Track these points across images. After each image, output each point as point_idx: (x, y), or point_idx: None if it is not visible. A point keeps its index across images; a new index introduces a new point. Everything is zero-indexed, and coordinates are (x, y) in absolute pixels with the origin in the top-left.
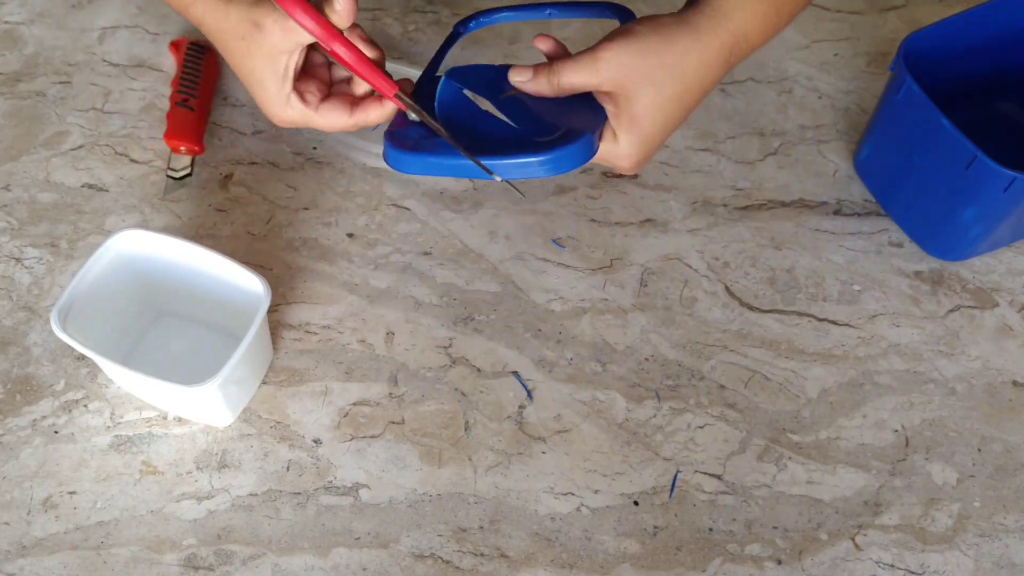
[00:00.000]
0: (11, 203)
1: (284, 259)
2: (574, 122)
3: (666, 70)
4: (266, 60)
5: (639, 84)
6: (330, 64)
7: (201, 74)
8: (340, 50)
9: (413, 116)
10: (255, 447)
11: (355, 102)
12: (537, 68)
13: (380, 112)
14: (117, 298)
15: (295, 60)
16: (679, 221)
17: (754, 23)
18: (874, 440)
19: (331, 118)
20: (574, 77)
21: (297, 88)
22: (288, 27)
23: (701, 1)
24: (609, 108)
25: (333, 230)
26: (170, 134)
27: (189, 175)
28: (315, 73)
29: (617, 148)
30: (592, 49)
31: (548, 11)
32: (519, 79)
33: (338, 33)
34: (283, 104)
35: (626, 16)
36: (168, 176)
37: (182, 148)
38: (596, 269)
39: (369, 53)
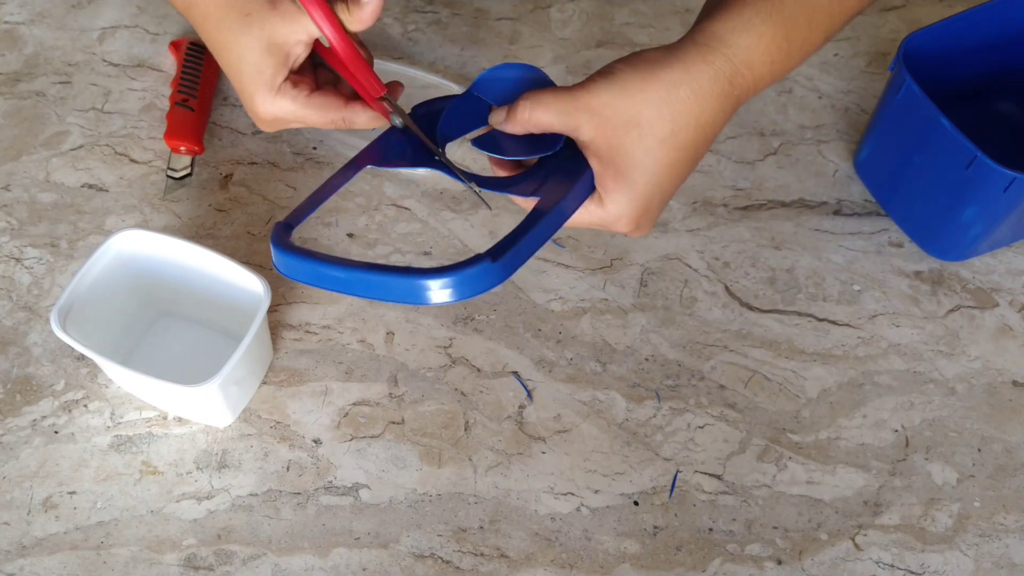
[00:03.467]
0: (11, 203)
1: None
2: (548, 177)
3: (652, 108)
4: (268, 41)
5: (621, 128)
6: (315, 66)
7: (201, 74)
8: (341, 47)
9: (397, 122)
10: (255, 447)
11: (345, 100)
12: (511, 107)
13: (368, 116)
14: (117, 298)
15: (302, 51)
16: (679, 221)
17: (759, 50)
18: (874, 440)
19: (323, 107)
20: (545, 115)
21: (292, 78)
22: (302, 15)
23: (693, 30)
24: (593, 163)
25: (333, 230)
26: (170, 134)
27: (189, 175)
28: (303, 71)
29: (606, 209)
30: (570, 88)
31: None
32: (495, 119)
33: (344, 32)
34: (274, 92)
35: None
36: (168, 176)
37: (182, 148)
38: (596, 269)
39: (363, 56)
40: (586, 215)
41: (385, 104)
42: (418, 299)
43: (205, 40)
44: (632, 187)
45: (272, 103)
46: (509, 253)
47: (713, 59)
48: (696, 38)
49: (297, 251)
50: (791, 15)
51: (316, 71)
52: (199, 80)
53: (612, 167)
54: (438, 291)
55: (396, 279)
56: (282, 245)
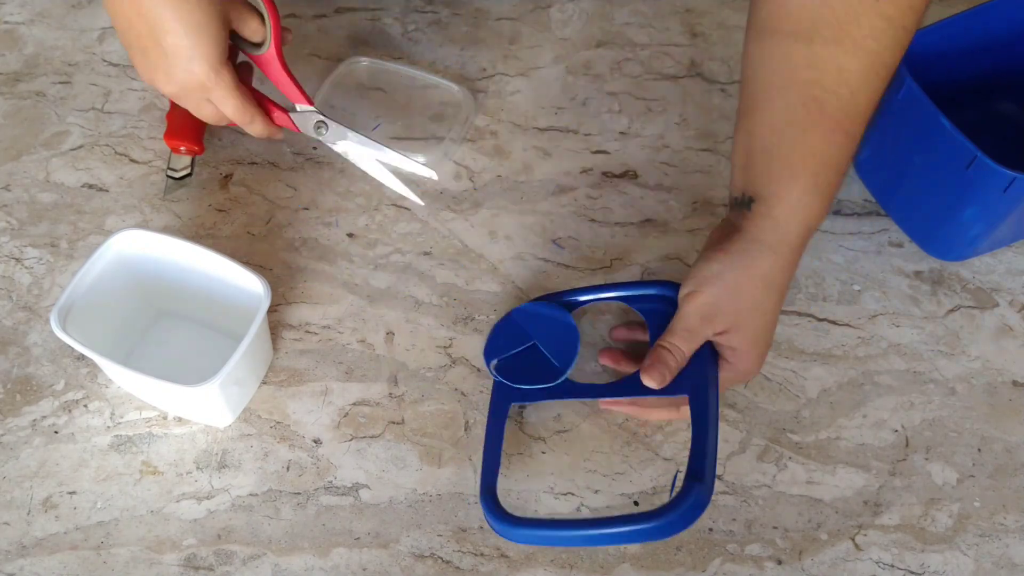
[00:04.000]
0: (11, 203)
1: (284, 259)
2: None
3: (746, 290)
4: (226, 19)
5: (730, 302)
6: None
7: None
8: (278, 51)
9: (311, 130)
10: (255, 447)
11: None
12: (651, 368)
13: (263, 126)
14: (117, 298)
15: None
16: (679, 221)
17: (811, 217)
18: (874, 440)
19: (245, 95)
20: (686, 339)
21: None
22: (250, 15)
23: (756, 217)
24: (723, 339)
25: (333, 230)
26: (170, 134)
27: (189, 175)
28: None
29: (738, 369)
30: (684, 310)
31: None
32: (652, 381)
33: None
34: (225, 60)
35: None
36: (168, 176)
37: (182, 148)
38: (596, 269)
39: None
40: (726, 385)
41: (298, 114)
42: (649, 538)
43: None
44: (754, 341)
45: (219, 68)
46: (708, 467)
47: (780, 249)
48: (758, 235)
49: (520, 521)
50: (827, 178)
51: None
52: None
53: (736, 334)
54: (667, 527)
55: (628, 532)
56: (500, 515)
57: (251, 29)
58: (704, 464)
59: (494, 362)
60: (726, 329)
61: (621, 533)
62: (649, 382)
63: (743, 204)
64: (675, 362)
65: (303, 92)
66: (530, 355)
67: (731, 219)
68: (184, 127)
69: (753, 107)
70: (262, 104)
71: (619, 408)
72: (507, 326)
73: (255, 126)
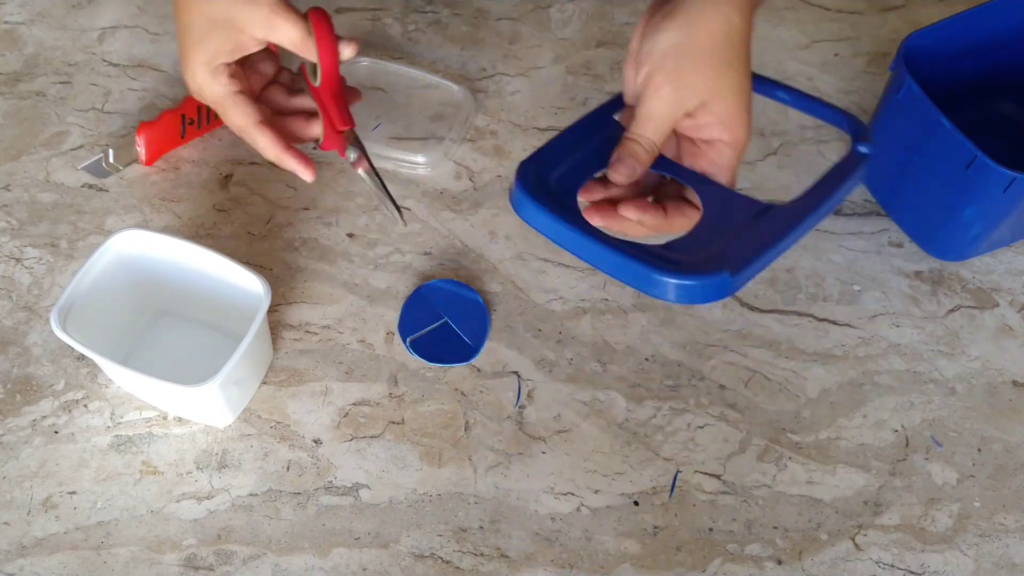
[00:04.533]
0: (11, 203)
1: (284, 259)
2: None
3: (700, 43)
4: (226, 19)
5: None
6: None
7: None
8: (328, 75)
9: (352, 156)
10: (255, 447)
11: (282, 129)
12: (618, 161)
13: (307, 128)
14: (117, 298)
15: (252, 47)
16: None
17: None
18: (874, 440)
19: (244, 112)
20: (653, 127)
21: (232, 68)
22: (276, 22)
23: None
24: (705, 115)
25: (333, 230)
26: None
27: (118, 171)
28: (248, 70)
29: (738, 140)
30: (641, 101)
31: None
32: (621, 174)
33: (336, 63)
34: (209, 69)
35: (858, 128)
36: (107, 163)
37: (142, 149)
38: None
39: (343, 89)
40: (733, 162)
41: (346, 136)
42: (649, 289)
43: None
44: (736, 104)
45: (203, 77)
46: (747, 269)
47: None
48: None
49: (544, 200)
50: None
51: (268, 89)
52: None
53: (715, 103)
54: (671, 290)
55: (636, 266)
56: (528, 188)
57: (285, 36)
58: (747, 265)
59: (409, 338)
60: (701, 102)
61: (634, 270)
62: (616, 177)
63: None
64: (645, 154)
65: (348, 116)
66: (443, 333)
67: None
68: (167, 135)
69: None
70: (327, 118)
71: (638, 215)
72: (418, 302)
73: (261, 149)
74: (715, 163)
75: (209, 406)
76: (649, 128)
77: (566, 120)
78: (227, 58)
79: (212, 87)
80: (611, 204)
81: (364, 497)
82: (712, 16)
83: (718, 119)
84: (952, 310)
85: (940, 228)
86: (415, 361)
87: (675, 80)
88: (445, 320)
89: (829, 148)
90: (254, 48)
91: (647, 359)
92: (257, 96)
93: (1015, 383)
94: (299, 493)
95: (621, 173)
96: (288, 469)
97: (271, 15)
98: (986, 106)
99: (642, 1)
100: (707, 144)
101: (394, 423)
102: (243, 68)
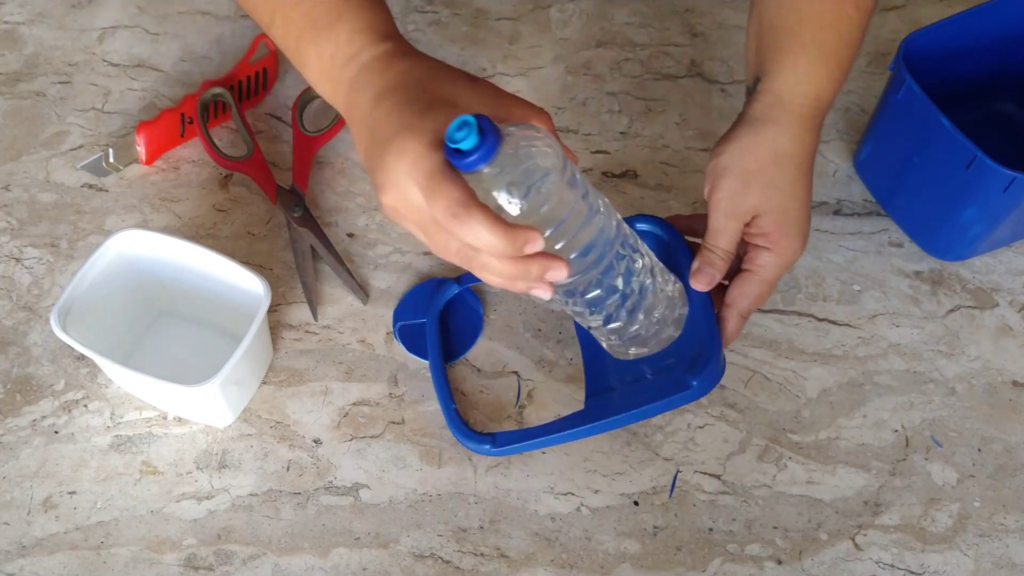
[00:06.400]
0: (11, 203)
1: (284, 259)
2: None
3: (767, 168)
4: (450, 99)
5: (774, 203)
6: None
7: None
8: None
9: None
10: (255, 447)
11: None
12: (698, 271)
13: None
14: (117, 298)
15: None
16: None
17: (820, 87)
18: (874, 440)
19: (460, 181)
20: (722, 238)
21: None
22: (507, 104)
23: (760, 94)
24: (762, 223)
25: (333, 230)
26: (151, 132)
27: (118, 171)
28: None
29: (784, 253)
30: (710, 211)
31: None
32: (703, 282)
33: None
34: (437, 142)
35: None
36: (107, 163)
37: (142, 149)
38: None
39: None
40: (774, 272)
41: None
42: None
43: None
44: (786, 219)
45: (422, 151)
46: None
47: (785, 121)
48: (761, 113)
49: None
50: (837, 49)
51: None
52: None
53: (766, 217)
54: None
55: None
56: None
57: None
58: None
59: (399, 324)
60: (755, 215)
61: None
62: (698, 285)
63: (752, 89)
64: (720, 261)
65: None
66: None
67: (741, 112)
68: (167, 135)
69: None
70: None
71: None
72: (415, 298)
73: (474, 232)
74: (753, 262)
75: (209, 406)
76: (719, 238)
77: (566, 120)
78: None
79: (432, 159)
80: None
81: (364, 497)
82: (764, 137)
83: (766, 231)
84: (952, 310)
85: (940, 228)
86: (415, 361)
87: (728, 197)
88: (437, 318)
89: (829, 148)
90: None
91: None
92: None
93: (1015, 383)
94: (299, 493)
95: (701, 282)
96: (288, 469)
97: (497, 103)
98: (986, 106)
99: (643, 1)
100: (754, 248)
101: (394, 423)
102: None
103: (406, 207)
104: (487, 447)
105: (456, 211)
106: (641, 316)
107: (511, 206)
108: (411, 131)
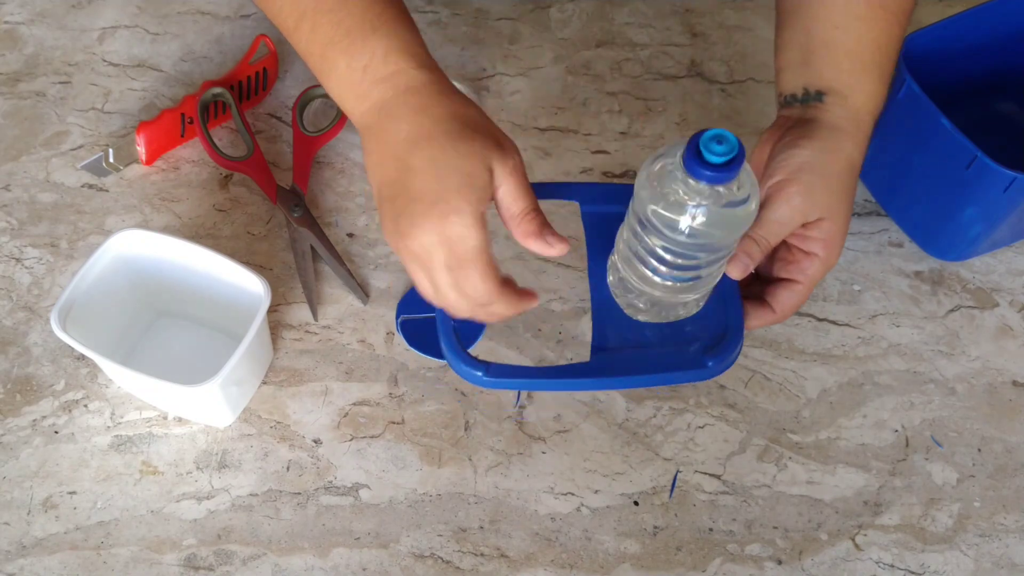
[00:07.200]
0: (11, 203)
1: (284, 259)
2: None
3: (823, 167)
4: (486, 163)
5: (832, 208)
6: None
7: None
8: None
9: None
10: (255, 447)
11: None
12: (737, 259)
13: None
14: (117, 298)
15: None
16: None
17: (880, 103)
18: (874, 440)
19: (494, 266)
20: (778, 230)
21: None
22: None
23: (831, 105)
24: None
25: (333, 230)
26: (151, 132)
27: (118, 171)
28: None
29: (829, 259)
30: (768, 205)
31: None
32: (737, 274)
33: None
34: (481, 209)
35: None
36: (107, 163)
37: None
38: None
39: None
40: (817, 280)
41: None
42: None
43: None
44: (842, 229)
45: (465, 224)
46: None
47: (857, 135)
48: (838, 124)
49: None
50: (890, 69)
51: None
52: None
53: (829, 223)
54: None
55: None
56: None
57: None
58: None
59: (402, 317)
60: (820, 218)
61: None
62: (733, 272)
63: (811, 98)
64: (759, 253)
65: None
66: (434, 325)
67: (794, 115)
68: (168, 135)
69: (806, 6)
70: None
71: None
72: (417, 296)
73: (494, 308)
74: (803, 272)
75: (209, 406)
76: (772, 230)
77: (566, 120)
78: (487, 206)
79: (477, 235)
80: None
81: (364, 497)
82: (843, 144)
83: (825, 236)
84: (952, 310)
85: (940, 228)
86: (415, 361)
87: (805, 193)
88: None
89: None
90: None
91: None
92: None
93: (1015, 383)
94: (299, 493)
95: (737, 268)
96: (288, 469)
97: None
98: (986, 106)
99: (643, 1)
100: (804, 255)
101: (394, 423)
102: None
103: (427, 258)
104: (479, 374)
105: (492, 288)
106: (694, 294)
107: (693, 221)
108: (454, 205)
